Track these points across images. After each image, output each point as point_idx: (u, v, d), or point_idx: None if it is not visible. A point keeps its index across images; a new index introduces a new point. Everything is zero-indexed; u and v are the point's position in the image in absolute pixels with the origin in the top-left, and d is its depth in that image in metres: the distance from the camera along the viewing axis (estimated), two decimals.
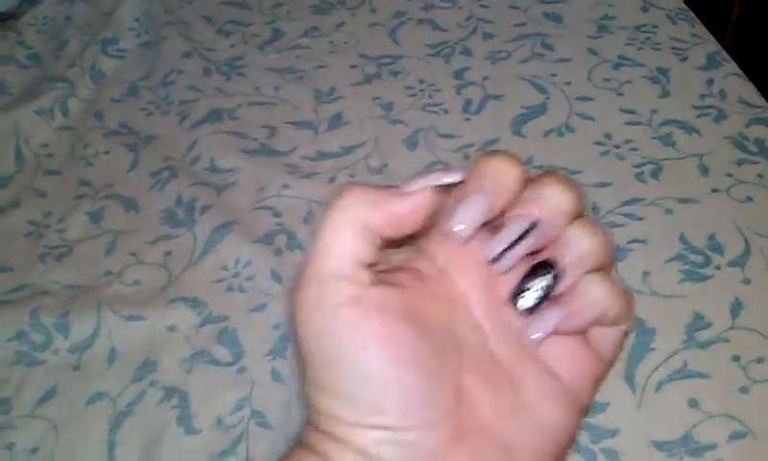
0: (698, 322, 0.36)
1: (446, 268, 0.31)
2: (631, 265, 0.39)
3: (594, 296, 0.28)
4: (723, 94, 0.48)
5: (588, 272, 0.29)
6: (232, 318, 0.38)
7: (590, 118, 0.47)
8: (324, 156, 0.47)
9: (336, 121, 0.50)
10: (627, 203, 0.42)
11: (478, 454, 0.27)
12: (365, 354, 0.26)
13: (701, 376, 0.34)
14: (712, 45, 0.52)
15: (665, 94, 0.48)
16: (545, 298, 0.28)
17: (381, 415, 0.26)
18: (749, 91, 0.48)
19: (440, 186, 0.29)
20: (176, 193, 0.46)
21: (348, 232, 0.27)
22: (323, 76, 0.53)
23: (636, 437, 0.33)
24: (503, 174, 0.29)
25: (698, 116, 0.46)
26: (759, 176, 0.42)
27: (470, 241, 0.30)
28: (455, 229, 0.29)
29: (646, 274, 0.38)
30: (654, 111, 0.47)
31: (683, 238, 0.40)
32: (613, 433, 0.33)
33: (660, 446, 0.32)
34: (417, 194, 0.27)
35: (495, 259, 0.29)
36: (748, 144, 0.44)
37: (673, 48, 0.52)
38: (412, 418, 0.26)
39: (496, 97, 0.49)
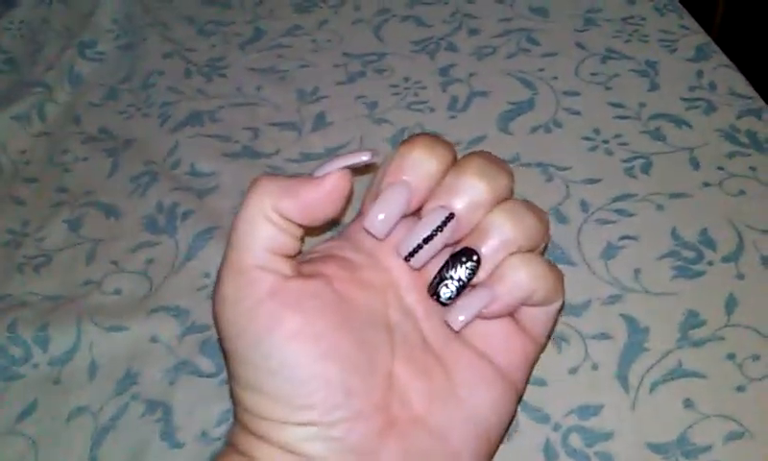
0: (692, 320, 0.35)
1: (374, 253, 0.29)
2: (622, 263, 0.38)
3: (517, 278, 0.27)
4: (713, 86, 0.47)
5: (512, 254, 0.28)
6: (215, 329, 0.37)
7: (578, 113, 0.46)
8: (308, 157, 0.46)
9: (320, 121, 0.49)
10: (617, 199, 0.41)
11: (410, 445, 0.27)
12: (285, 350, 0.25)
13: (696, 375, 0.34)
14: (701, 37, 0.52)
15: (654, 87, 0.47)
16: (465, 286, 0.28)
17: (306, 411, 0.25)
18: (739, 82, 0.47)
19: (351, 169, 0.27)
20: (156, 199, 0.45)
21: (261, 223, 0.26)
22: (306, 75, 0.52)
23: (631, 440, 0.32)
24: (424, 164, 0.28)
25: (687, 109, 0.46)
26: (752, 168, 0.41)
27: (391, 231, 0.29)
28: (371, 227, 0.28)
29: (637, 271, 0.38)
30: (642, 105, 0.46)
31: (675, 234, 0.39)
32: (607, 436, 0.32)
33: (655, 448, 0.32)
34: (326, 179, 0.26)
35: (410, 256, 0.28)
36: (739, 136, 0.44)
37: (661, 40, 0.51)
38: (337, 412, 0.25)
39: (482, 94, 0.48)
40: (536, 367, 0.34)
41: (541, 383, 0.34)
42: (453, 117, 0.47)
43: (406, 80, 0.50)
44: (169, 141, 0.49)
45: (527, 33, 0.53)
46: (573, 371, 0.35)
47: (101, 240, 0.43)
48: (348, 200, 0.27)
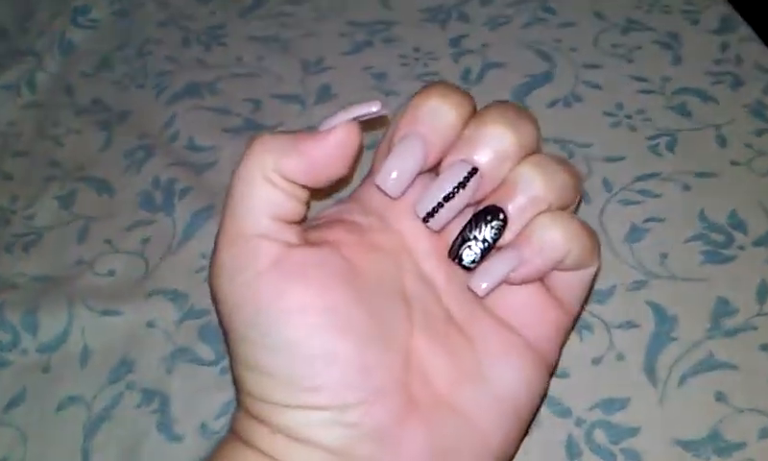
0: (722, 307, 0.33)
1: (387, 216, 0.26)
2: (648, 246, 0.36)
3: (548, 239, 0.24)
4: (738, 59, 0.45)
5: (542, 213, 0.25)
6: (214, 312, 0.35)
7: (599, 87, 0.44)
8: None
9: (325, 93, 0.46)
10: (641, 178, 0.39)
11: (434, 429, 0.24)
12: (288, 325, 0.23)
13: (728, 367, 0.32)
14: (725, 7, 0.49)
15: (678, 60, 0.45)
16: (491, 248, 0.25)
17: (315, 393, 0.22)
18: (765, 56, 0.45)
19: (360, 122, 0.24)
20: (153, 174, 0.42)
21: (261, 184, 0.23)
22: (309, 45, 0.50)
23: (659, 436, 0.30)
24: (441, 114, 0.25)
25: (713, 83, 0.43)
26: None
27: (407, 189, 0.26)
28: (383, 185, 0.25)
29: (664, 255, 0.35)
30: (666, 79, 0.44)
31: (702, 216, 0.37)
32: (634, 432, 0.30)
33: (684, 445, 0.30)
34: (333, 133, 0.23)
35: (429, 216, 0.25)
36: (767, 113, 0.41)
37: (684, 11, 0.49)
38: (351, 394, 0.23)
39: (497, 65, 0.46)
40: None
41: (563, 374, 0.32)
42: (466, 90, 0.44)
43: (416, 50, 0.48)
44: (166, 114, 0.46)
45: (542, 2, 0.50)
46: (597, 361, 0.33)
47: (94, 218, 0.41)
48: (358, 157, 0.25)
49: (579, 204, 0.28)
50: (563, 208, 0.26)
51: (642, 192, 0.38)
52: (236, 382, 0.25)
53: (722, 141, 0.40)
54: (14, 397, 0.34)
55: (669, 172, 0.39)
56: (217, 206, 0.40)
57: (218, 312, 0.25)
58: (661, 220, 0.37)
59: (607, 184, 0.38)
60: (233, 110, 0.46)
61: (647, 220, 0.37)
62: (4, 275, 0.39)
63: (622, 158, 0.40)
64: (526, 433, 0.28)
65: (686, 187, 0.38)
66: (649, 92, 0.43)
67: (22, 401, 0.34)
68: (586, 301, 0.29)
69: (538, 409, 0.29)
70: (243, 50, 0.50)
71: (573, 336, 0.33)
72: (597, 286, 0.34)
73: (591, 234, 0.26)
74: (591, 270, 0.27)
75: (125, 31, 0.53)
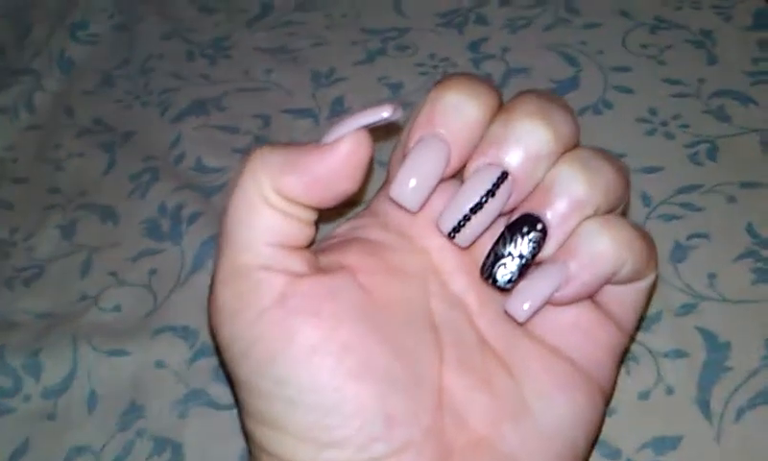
0: None
1: (408, 232, 0.23)
2: (694, 266, 0.33)
3: (598, 250, 0.21)
4: None
5: (588, 218, 0.21)
6: (214, 347, 0.33)
7: (630, 91, 0.41)
8: None
9: (338, 106, 0.44)
10: (682, 190, 0.36)
11: None
12: (302, 371, 0.20)
13: None
14: (758, 1, 0.46)
15: (713, 60, 0.42)
16: (529, 264, 0.21)
17: (337, 448, 0.20)
18: None
19: (369, 129, 0.21)
20: (159, 200, 0.40)
21: (260, 208, 0.20)
22: (320, 55, 0.47)
23: None
24: (462, 109, 0.22)
25: (752, 84, 0.40)
26: None
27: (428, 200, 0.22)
28: (399, 197, 0.21)
29: (712, 276, 0.33)
30: (702, 81, 0.41)
31: (750, 230, 0.34)
32: None
33: None
34: (338, 145, 0.20)
35: (454, 231, 0.21)
36: None
37: (714, 6, 0.46)
38: (377, 446, 0.20)
39: (520, 71, 0.43)
40: None
41: (609, 412, 0.29)
42: None
43: (432, 57, 0.45)
44: (171, 133, 0.44)
45: (565, 1, 0.47)
46: (644, 396, 0.30)
47: (97, 248, 0.39)
48: (369, 170, 0.22)
49: (628, 204, 0.25)
50: (611, 211, 0.23)
51: (684, 206, 0.35)
52: (247, 437, 0.22)
53: (767, 147, 0.37)
54: (18, 448, 0.32)
55: (712, 183, 0.36)
56: None
57: (224, 360, 0.22)
58: (706, 236, 0.34)
59: (645, 198, 0.36)
60: (242, 128, 0.43)
61: (691, 236, 0.34)
62: (4, 312, 0.37)
63: (660, 169, 0.37)
64: None
65: (731, 199, 0.35)
66: (684, 96, 0.40)
67: (26, 452, 0.32)
68: (643, 317, 0.26)
69: (594, 444, 0.26)
70: (250, 63, 0.48)
71: None
72: None
73: (647, 239, 0.23)
74: (649, 280, 0.24)
75: (126, 46, 0.51)
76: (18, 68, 0.50)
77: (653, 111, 0.40)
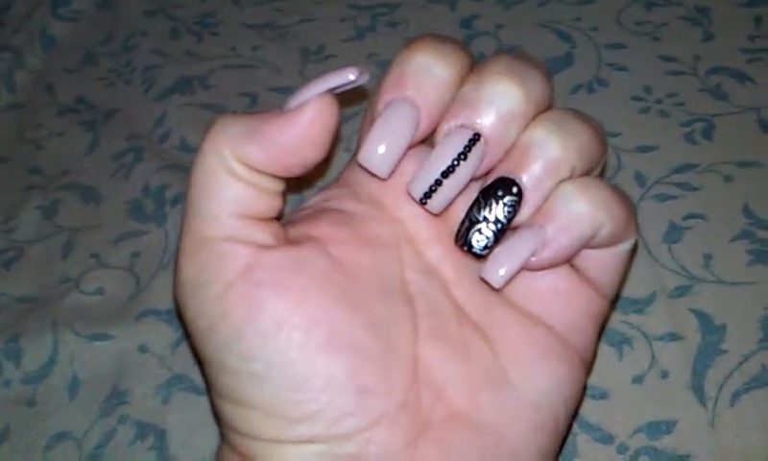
0: None
1: (381, 200, 0.22)
2: (689, 247, 0.33)
3: (575, 211, 0.20)
4: None
5: (564, 181, 0.20)
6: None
7: (624, 69, 0.40)
8: None
9: None
10: (678, 170, 0.35)
11: (451, 450, 0.20)
12: (270, 346, 0.19)
13: None
14: None
15: (709, 37, 0.41)
16: (505, 229, 0.21)
17: (307, 423, 0.19)
18: None
19: (334, 94, 0.20)
20: (142, 180, 0.39)
21: (223, 178, 0.20)
22: (308, 31, 0.46)
23: None
24: (432, 70, 0.21)
25: (749, 62, 0.40)
26: None
27: (398, 166, 0.22)
28: (368, 163, 0.21)
29: (708, 257, 0.32)
30: (697, 58, 0.40)
31: (747, 211, 0.33)
32: (684, 459, 0.27)
33: None
34: (303, 111, 0.19)
35: (426, 197, 0.21)
36: None
37: None
38: (348, 421, 0.19)
39: (513, 48, 0.42)
40: (595, 376, 0.29)
41: (602, 396, 0.29)
42: None
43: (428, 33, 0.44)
44: (155, 111, 0.43)
45: None
46: (638, 380, 0.29)
47: (79, 230, 0.38)
48: (336, 137, 0.21)
49: (605, 166, 0.24)
50: (587, 173, 0.22)
51: (680, 185, 0.35)
52: (218, 416, 0.22)
53: (764, 126, 0.36)
54: None
55: (708, 162, 0.35)
56: None
57: (189, 336, 0.21)
58: (702, 217, 0.33)
59: (640, 178, 0.35)
60: (228, 106, 0.42)
61: (686, 217, 0.33)
62: None
63: (655, 148, 0.36)
64: (563, 445, 0.24)
65: (728, 179, 0.34)
66: (679, 73, 0.39)
67: (6, 440, 0.31)
68: (623, 281, 0.26)
69: (575, 414, 0.26)
70: (237, 39, 0.46)
71: (611, 352, 0.30)
72: (635, 294, 0.31)
73: (626, 201, 0.22)
74: (629, 244, 0.23)
75: (109, 22, 0.50)
76: None
77: (648, 89, 0.39)
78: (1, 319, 0.34)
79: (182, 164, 0.39)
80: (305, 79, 0.43)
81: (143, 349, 0.32)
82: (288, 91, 0.43)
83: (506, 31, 0.43)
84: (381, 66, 0.43)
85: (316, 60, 0.44)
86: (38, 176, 0.41)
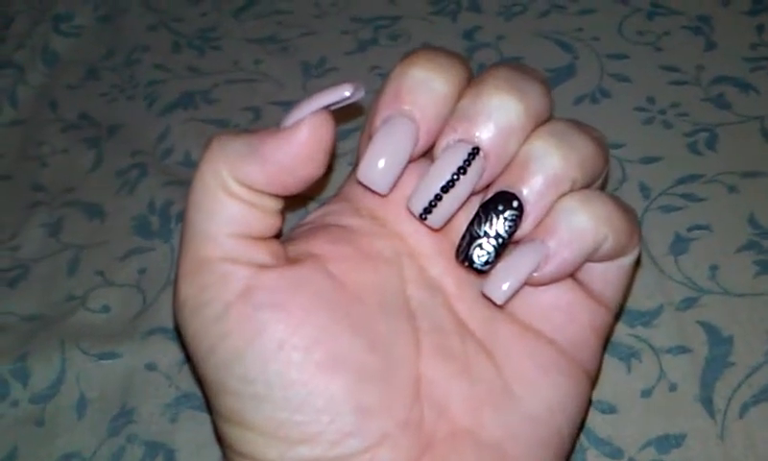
0: None
1: (381, 215, 0.22)
2: (695, 258, 0.33)
3: (577, 225, 0.20)
4: None
5: (565, 194, 0.20)
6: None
7: (627, 79, 0.40)
8: None
9: None
10: (682, 181, 0.35)
11: None
12: (270, 367, 0.19)
13: None
14: None
15: (711, 46, 0.41)
16: (506, 244, 0.20)
17: (308, 444, 0.19)
18: None
19: (331, 110, 0.20)
20: (147, 196, 0.39)
21: (221, 199, 0.20)
22: (310, 45, 0.46)
23: None
24: (429, 84, 0.21)
25: (752, 70, 0.40)
26: None
27: (398, 182, 0.22)
28: (367, 179, 0.20)
29: (714, 268, 0.32)
30: (700, 68, 0.40)
31: (752, 221, 0.33)
32: None
33: None
34: (299, 129, 0.19)
35: (426, 212, 0.21)
36: None
37: None
38: (350, 441, 0.19)
39: (515, 59, 0.42)
40: (603, 390, 0.29)
41: (611, 410, 0.29)
42: None
43: (426, 46, 0.44)
44: (159, 127, 0.43)
45: None
46: (647, 393, 0.29)
47: (84, 247, 0.38)
48: (332, 153, 0.21)
49: (607, 177, 0.24)
50: (589, 186, 0.22)
51: (684, 196, 0.35)
52: (218, 438, 0.22)
53: (767, 135, 0.36)
54: (6, 455, 0.31)
55: (712, 173, 0.35)
56: None
57: (190, 357, 0.21)
58: (707, 228, 0.33)
59: (644, 189, 0.35)
60: (232, 121, 0.42)
61: (692, 228, 0.33)
62: None
63: (659, 159, 0.36)
64: (569, 459, 0.24)
65: (732, 189, 0.35)
66: (682, 83, 0.40)
67: (14, 460, 0.31)
68: (627, 293, 0.26)
69: (580, 428, 0.25)
70: (239, 53, 0.46)
71: (620, 366, 0.30)
72: (642, 307, 0.31)
73: (628, 213, 0.22)
74: (632, 256, 0.23)
75: (111, 37, 0.50)
76: (0, 61, 0.49)
77: (651, 100, 0.39)
78: (8, 339, 0.34)
79: (187, 180, 0.39)
80: (308, 93, 0.43)
81: (150, 367, 0.32)
82: (290, 105, 0.42)
83: (508, 42, 0.43)
84: (383, 79, 0.43)
85: (318, 74, 0.44)
86: (42, 193, 0.41)
